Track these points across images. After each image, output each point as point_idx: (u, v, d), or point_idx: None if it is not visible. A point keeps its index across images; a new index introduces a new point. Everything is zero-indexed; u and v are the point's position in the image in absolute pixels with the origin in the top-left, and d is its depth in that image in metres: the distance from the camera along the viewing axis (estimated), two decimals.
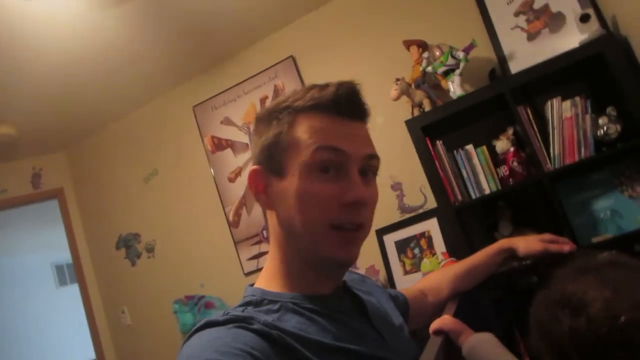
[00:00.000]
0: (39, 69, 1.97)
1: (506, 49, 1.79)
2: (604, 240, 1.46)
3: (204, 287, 2.40)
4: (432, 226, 1.92)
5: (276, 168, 0.62)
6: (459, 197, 1.66)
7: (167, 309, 2.36)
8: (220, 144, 2.44)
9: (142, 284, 2.59)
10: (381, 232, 2.00)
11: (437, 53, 1.76)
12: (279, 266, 0.66)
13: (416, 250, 1.93)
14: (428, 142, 1.69)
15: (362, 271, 1.97)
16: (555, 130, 1.54)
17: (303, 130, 0.61)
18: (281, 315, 0.59)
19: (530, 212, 1.75)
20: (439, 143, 1.70)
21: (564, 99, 1.55)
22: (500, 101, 1.61)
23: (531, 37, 1.77)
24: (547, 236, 0.99)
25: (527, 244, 0.97)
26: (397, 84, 1.80)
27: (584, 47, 1.51)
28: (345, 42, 2.18)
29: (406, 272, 1.93)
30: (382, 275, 2.00)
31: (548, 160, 1.54)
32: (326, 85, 0.62)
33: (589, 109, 1.52)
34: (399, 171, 2.04)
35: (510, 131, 1.71)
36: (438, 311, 0.92)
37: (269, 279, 0.66)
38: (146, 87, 2.47)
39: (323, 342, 0.58)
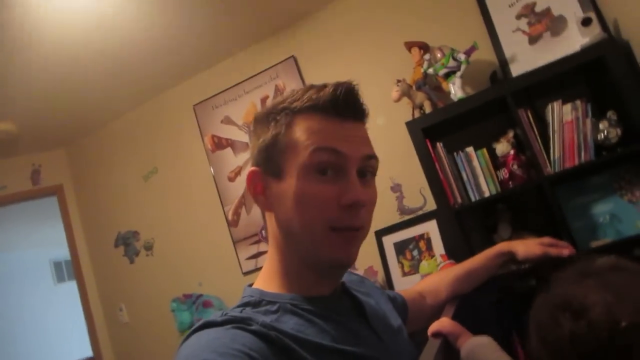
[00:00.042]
0: (40, 66, 1.97)
1: (507, 51, 1.79)
2: (603, 245, 1.46)
3: (202, 286, 2.40)
4: (431, 228, 1.92)
5: (274, 170, 0.62)
6: (459, 200, 1.66)
7: (165, 307, 2.36)
8: (220, 143, 2.43)
9: (140, 281, 2.59)
10: (380, 234, 2.00)
11: (439, 55, 1.76)
12: (278, 267, 0.66)
13: (415, 252, 1.93)
14: (428, 143, 1.69)
15: (360, 272, 1.97)
16: (556, 134, 1.54)
17: (301, 132, 0.60)
18: (279, 316, 0.59)
19: (529, 215, 1.75)
20: (439, 145, 1.70)
21: (564, 102, 1.56)
22: (501, 104, 1.61)
23: (532, 40, 1.77)
24: (546, 240, 0.99)
25: (527, 247, 0.97)
26: (398, 86, 1.80)
27: (585, 50, 1.51)
28: (347, 43, 2.18)
29: (405, 274, 1.93)
30: (381, 276, 2.00)
31: (548, 164, 1.54)
32: (324, 86, 0.62)
33: (590, 113, 1.52)
34: (399, 173, 2.04)
35: (510, 134, 1.71)
36: (436, 313, 0.92)
37: (267, 279, 0.66)
38: (147, 86, 2.47)
39: (321, 343, 0.58)
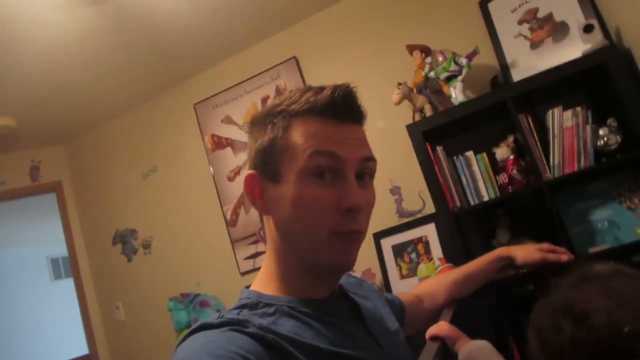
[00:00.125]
0: (40, 62, 1.97)
1: (509, 56, 1.80)
2: (601, 251, 1.46)
3: (199, 286, 2.40)
4: (429, 231, 1.92)
5: (272, 173, 0.62)
6: (458, 203, 1.66)
7: (162, 306, 2.35)
8: (220, 143, 2.43)
9: (138, 280, 2.59)
10: (378, 236, 2.00)
11: (440, 59, 1.76)
12: (275, 269, 0.66)
13: (413, 255, 1.93)
14: (428, 147, 1.69)
15: (358, 274, 1.97)
16: (556, 140, 1.54)
17: (298, 135, 0.60)
18: (276, 318, 0.59)
19: (528, 220, 1.75)
20: (439, 148, 1.70)
21: (565, 108, 1.56)
22: (502, 109, 1.61)
23: (534, 45, 1.77)
24: (545, 245, 0.99)
25: (526, 252, 0.97)
26: (399, 88, 1.81)
27: (586, 57, 1.51)
28: (349, 45, 2.18)
29: (402, 277, 1.93)
30: (379, 278, 1.99)
31: (547, 169, 1.55)
32: (322, 89, 0.62)
33: (590, 119, 1.52)
34: (398, 175, 2.04)
35: (510, 139, 1.71)
36: (434, 317, 0.92)
37: (265, 281, 0.66)
38: (148, 84, 2.46)
39: (318, 346, 0.57)
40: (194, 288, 2.38)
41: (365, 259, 2.01)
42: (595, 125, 1.52)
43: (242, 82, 2.38)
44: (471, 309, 0.99)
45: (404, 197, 2.05)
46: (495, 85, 1.77)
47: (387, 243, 1.99)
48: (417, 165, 1.70)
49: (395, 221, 2.03)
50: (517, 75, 1.74)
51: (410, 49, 1.94)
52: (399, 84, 1.82)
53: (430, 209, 1.90)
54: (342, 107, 0.61)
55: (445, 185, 1.66)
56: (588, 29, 1.53)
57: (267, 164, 0.62)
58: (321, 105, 0.60)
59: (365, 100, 0.65)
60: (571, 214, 1.57)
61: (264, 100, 2.34)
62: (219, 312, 0.61)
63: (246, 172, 0.65)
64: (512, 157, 1.66)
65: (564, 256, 0.95)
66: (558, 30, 1.74)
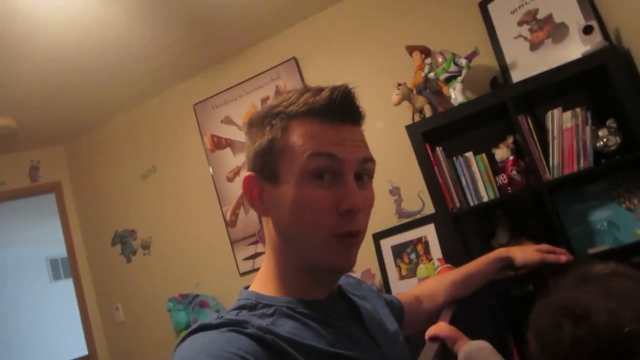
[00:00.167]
0: (40, 62, 1.97)
1: (508, 57, 1.80)
2: (600, 252, 1.46)
3: (198, 286, 2.40)
4: (429, 232, 1.92)
5: (271, 175, 0.61)
6: (457, 204, 1.66)
7: (161, 306, 2.35)
8: (219, 143, 2.43)
9: (137, 280, 2.59)
10: (378, 237, 2.00)
11: (440, 59, 1.77)
12: (274, 270, 0.66)
13: (412, 256, 1.93)
14: (428, 148, 1.69)
15: (357, 275, 1.97)
16: (555, 141, 1.55)
17: (297, 137, 0.60)
18: (275, 319, 0.59)
19: (527, 221, 1.75)
20: (438, 149, 1.70)
21: (564, 109, 1.56)
22: (501, 110, 1.62)
23: (534, 46, 1.77)
24: (544, 246, 0.99)
25: (525, 253, 0.98)
26: (398, 89, 1.81)
27: (586, 58, 1.51)
28: (348, 46, 2.18)
29: (402, 277, 1.93)
30: (378, 279, 1.99)
31: (547, 170, 1.55)
32: (320, 90, 0.61)
33: (589, 121, 1.52)
34: (398, 176, 2.04)
35: (510, 140, 1.71)
36: (433, 318, 0.92)
37: (264, 282, 0.66)
38: (147, 84, 2.47)
39: (317, 347, 0.57)
40: (193, 289, 2.38)
41: (364, 260, 2.01)
42: (595, 127, 1.52)
43: (241, 82, 2.38)
44: (471, 310, 0.99)
45: (404, 197, 2.05)
46: (494, 86, 1.77)
47: (387, 244, 1.99)
48: (416, 166, 1.70)
49: (394, 222, 2.03)
50: (516, 76, 1.75)
51: (410, 49, 1.94)
52: (399, 84, 1.82)
53: (429, 209, 1.90)
54: (341, 108, 0.60)
55: (445, 186, 1.67)
56: (588, 30, 1.53)
57: (266, 166, 0.62)
58: (320, 106, 0.60)
59: (365, 101, 0.65)
60: (571, 214, 1.57)
61: (264, 100, 2.34)
62: (218, 312, 0.61)
63: (245, 173, 0.65)
64: (511, 158, 1.66)
65: (563, 257, 0.95)
66: (558, 31, 1.74)
